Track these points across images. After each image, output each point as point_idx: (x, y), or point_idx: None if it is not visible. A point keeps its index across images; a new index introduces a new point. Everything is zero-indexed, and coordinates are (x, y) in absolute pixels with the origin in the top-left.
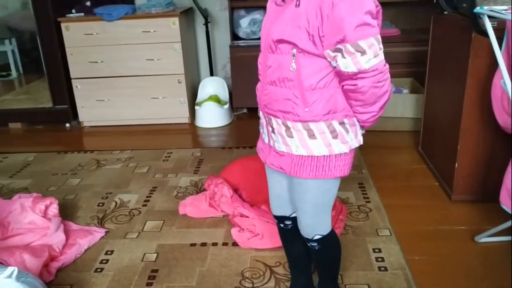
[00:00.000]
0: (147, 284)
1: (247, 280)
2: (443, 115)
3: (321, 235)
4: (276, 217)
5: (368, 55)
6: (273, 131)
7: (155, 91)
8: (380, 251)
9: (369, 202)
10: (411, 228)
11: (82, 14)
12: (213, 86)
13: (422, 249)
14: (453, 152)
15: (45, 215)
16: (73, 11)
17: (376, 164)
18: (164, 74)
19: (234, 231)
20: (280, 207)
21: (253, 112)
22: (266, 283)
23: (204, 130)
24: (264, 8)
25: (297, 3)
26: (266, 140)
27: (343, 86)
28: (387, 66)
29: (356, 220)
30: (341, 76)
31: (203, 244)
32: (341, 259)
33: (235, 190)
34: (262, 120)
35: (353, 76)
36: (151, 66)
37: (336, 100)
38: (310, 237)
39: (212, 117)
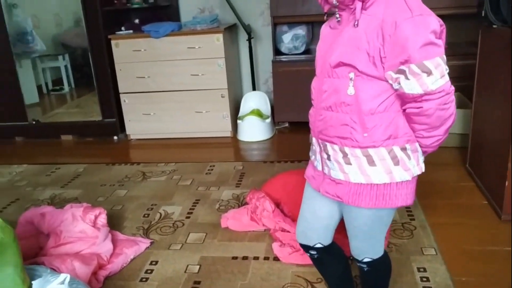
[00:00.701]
0: None
1: None
2: (493, 131)
3: (371, 258)
4: (300, 245)
5: (434, 76)
6: (328, 158)
7: (199, 105)
8: (425, 270)
9: (413, 219)
10: (458, 248)
11: (131, 31)
12: (255, 101)
13: (469, 270)
14: (504, 170)
15: (94, 224)
16: (123, 28)
17: (421, 181)
18: (208, 89)
19: (275, 246)
20: (304, 234)
21: (295, 126)
22: None
23: (246, 143)
24: (306, 23)
25: (355, 24)
26: (320, 168)
27: (405, 109)
28: (453, 87)
29: (400, 238)
30: (403, 99)
31: (245, 258)
32: (389, 283)
33: (277, 205)
34: (315, 147)
35: (418, 98)
36: (195, 81)
37: (397, 124)
38: (359, 259)
39: (254, 131)
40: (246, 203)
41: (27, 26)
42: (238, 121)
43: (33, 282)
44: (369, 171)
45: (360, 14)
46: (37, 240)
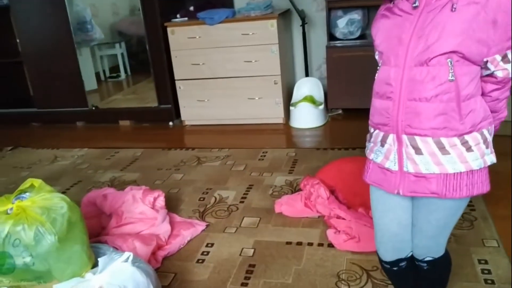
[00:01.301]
0: (245, 278)
1: (343, 282)
2: None
3: (432, 257)
4: (388, 262)
5: None
6: (418, 152)
7: (252, 92)
8: (486, 262)
9: (473, 210)
10: None
11: (186, 18)
12: (308, 87)
13: None
14: None
15: (153, 206)
16: (178, 16)
17: None
18: (261, 75)
19: (330, 232)
20: (396, 250)
21: (349, 113)
22: (363, 286)
23: (299, 130)
24: (362, 7)
25: (453, 8)
26: (396, 167)
27: (488, 93)
28: None
29: (459, 228)
30: (495, 82)
31: (299, 243)
32: (449, 279)
33: (331, 192)
34: (389, 146)
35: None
36: (249, 67)
37: (484, 107)
38: (420, 258)
39: (307, 117)
40: (300, 190)
41: (86, 15)
42: (291, 108)
43: (98, 259)
44: (468, 157)
45: None
46: (99, 220)
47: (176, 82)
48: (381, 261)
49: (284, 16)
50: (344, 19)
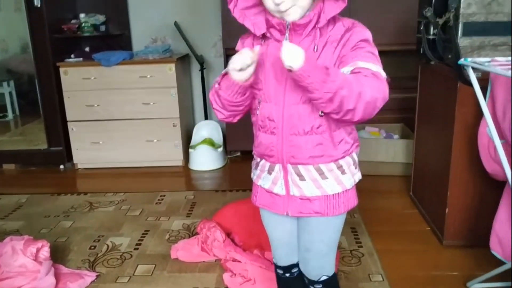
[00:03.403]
0: None
1: None
2: (433, 161)
3: (327, 276)
4: (282, 267)
5: None
6: (301, 179)
7: (150, 134)
8: None
9: (361, 247)
10: (403, 274)
11: (81, 59)
12: (207, 130)
13: None
14: (444, 197)
15: (36, 258)
16: (72, 56)
17: (368, 209)
18: (160, 117)
19: (226, 276)
20: (289, 256)
21: (247, 155)
22: None
23: (198, 173)
24: None
25: (315, 48)
26: (283, 192)
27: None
28: None
29: (348, 265)
30: None
31: None
32: None
33: (228, 234)
34: (277, 174)
35: None
36: (147, 110)
37: (352, 133)
38: (316, 279)
39: (206, 160)
40: (197, 233)
41: None
42: (190, 150)
43: None
44: (343, 179)
45: (318, 39)
46: None
47: (69, 123)
48: (276, 267)
49: (183, 60)
50: None
